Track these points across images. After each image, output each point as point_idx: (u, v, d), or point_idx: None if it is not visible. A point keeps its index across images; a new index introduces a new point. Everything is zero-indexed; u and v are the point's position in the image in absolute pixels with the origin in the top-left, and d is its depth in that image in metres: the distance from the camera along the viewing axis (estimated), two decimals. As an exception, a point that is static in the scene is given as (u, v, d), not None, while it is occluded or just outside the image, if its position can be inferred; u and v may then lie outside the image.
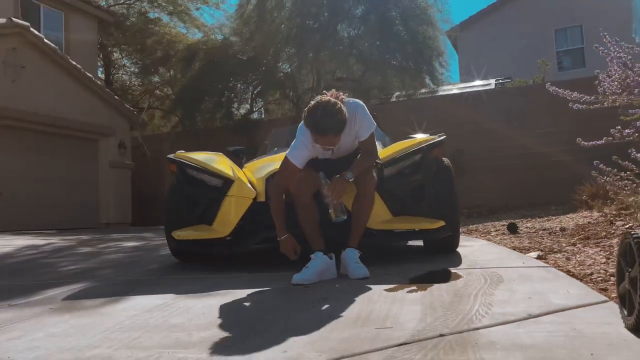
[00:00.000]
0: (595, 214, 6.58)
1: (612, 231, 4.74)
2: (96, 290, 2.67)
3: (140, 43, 13.04)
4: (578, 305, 1.61)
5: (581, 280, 2.30)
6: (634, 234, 1.35)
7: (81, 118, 10.59)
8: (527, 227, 6.28)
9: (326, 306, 1.92)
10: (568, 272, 2.45)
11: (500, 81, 12.84)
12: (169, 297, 2.27)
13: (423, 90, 12.96)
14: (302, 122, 2.70)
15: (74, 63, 10.47)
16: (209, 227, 3.12)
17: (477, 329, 1.45)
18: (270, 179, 3.02)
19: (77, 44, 11.67)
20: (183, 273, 3.15)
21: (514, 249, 3.97)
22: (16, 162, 9.57)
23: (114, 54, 14.47)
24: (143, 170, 12.33)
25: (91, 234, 7.43)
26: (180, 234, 3.19)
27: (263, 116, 13.32)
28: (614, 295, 1.81)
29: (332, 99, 2.58)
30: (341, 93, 2.74)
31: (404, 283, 2.27)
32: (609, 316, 1.50)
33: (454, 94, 12.03)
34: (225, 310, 1.96)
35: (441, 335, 1.40)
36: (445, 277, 2.34)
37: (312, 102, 2.61)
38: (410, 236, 2.99)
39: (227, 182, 3.10)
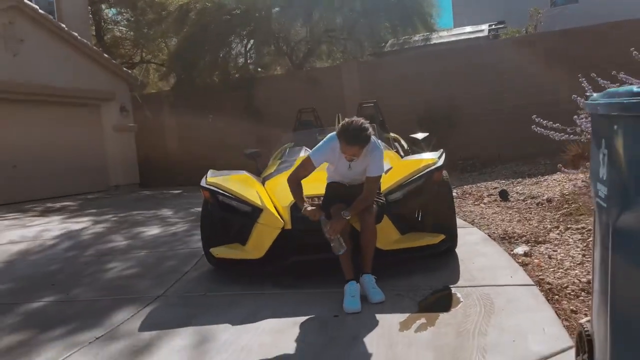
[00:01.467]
0: (580, 175, 7.11)
1: (593, 207, 5.30)
2: (159, 316, 3.21)
3: (132, 3, 12.91)
4: (552, 353, 2.16)
5: (558, 301, 2.86)
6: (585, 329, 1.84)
7: (82, 85, 10.80)
8: (517, 194, 6.83)
9: (355, 348, 2.48)
10: (549, 290, 3.01)
11: (494, 27, 12.94)
12: (228, 332, 2.83)
13: (416, 38, 13.06)
14: (333, 132, 3.29)
15: (70, 32, 10.52)
16: (243, 247, 3.63)
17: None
18: (294, 207, 3.51)
19: (68, 7, 11.60)
20: (225, 286, 3.68)
21: (505, 238, 4.53)
22: (24, 134, 9.89)
23: (105, 11, 14.30)
24: (146, 131, 12.65)
25: (113, 212, 7.91)
26: (219, 253, 3.70)
27: (260, 70, 13.45)
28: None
29: (363, 120, 3.17)
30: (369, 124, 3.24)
31: (414, 311, 2.82)
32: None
33: (448, 45, 12.17)
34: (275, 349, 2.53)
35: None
36: (447, 303, 2.89)
37: (347, 119, 3.19)
38: (417, 251, 3.51)
39: (256, 210, 3.57)
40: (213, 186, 3.79)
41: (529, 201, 6.30)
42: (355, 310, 2.92)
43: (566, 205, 5.60)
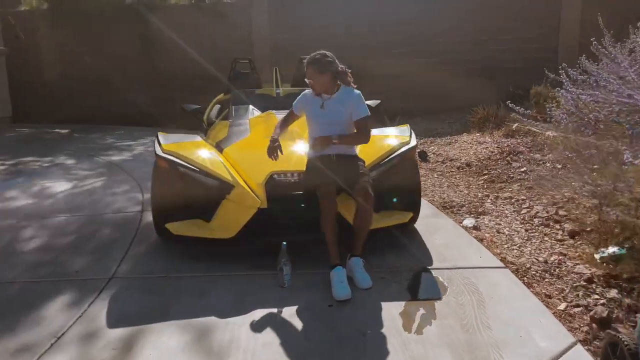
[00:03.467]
0: (488, 139, 7.60)
1: (512, 175, 5.72)
2: (124, 306, 2.86)
3: None
4: (561, 351, 2.31)
5: (530, 284, 3.06)
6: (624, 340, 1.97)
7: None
8: (434, 154, 7.11)
9: (371, 351, 2.43)
10: (516, 272, 3.20)
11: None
12: (220, 328, 2.61)
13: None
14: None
15: None
16: (207, 225, 3.34)
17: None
18: (270, 181, 3.28)
19: None
20: (184, 265, 3.37)
21: (446, 207, 4.71)
22: None
23: None
24: (19, 56, 10.99)
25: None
26: (178, 229, 3.36)
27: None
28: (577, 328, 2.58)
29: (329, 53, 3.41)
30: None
31: (407, 299, 2.84)
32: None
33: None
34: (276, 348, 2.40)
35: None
36: (434, 289, 2.95)
37: None
38: (388, 229, 3.50)
39: (226, 185, 3.27)
40: (172, 155, 3.38)
41: (447, 164, 6.59)
42: (346, 297, 2.85)
43: (486, 172, 5.96)
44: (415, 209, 3.66)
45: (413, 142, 3.64)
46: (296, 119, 3.62)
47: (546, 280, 3.19)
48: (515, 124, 7.77)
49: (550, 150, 6.18)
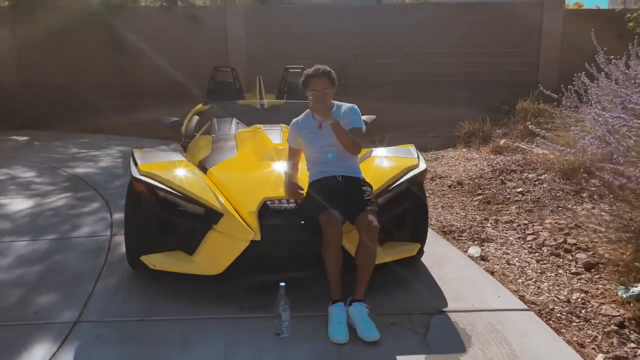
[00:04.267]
0: (476, 155, 7.35)
1: (508, 196, 5.44)
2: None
3: None
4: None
5: (558, 330, 2.73)
6: None
7: None
8: (422, 171, 6.79)
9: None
10: (540, 314, 2.86)
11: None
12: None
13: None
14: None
15: None
16: (190, 259, 2.89)
17: None
18: (264, 209, 2.87)
19: None
20: (163, 304, 2.91)
21: (446, 232, 4.38)
22: None
23: None
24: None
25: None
26: (155, 262, 2.90)
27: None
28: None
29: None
30: None
31: (426, 351, 2.45)
32: None
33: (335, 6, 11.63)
34: None
35: None
36: (455, 338, 2.57)
37: None
38: (395, 263, 3.12)
39: (213, 214, 2.84)
40: (151, 178, 2.92)
41: (437, 181, 6.29)
42: (342, 341, 2.49)
43: (479, 191, 5.67)
44: (422, 239, 3.30)
45: (422, 166, 3.28)
46: (299, 154, 3.24)
47: (574, 324, 2.86)
48: (503, 140, 7.58)
49: (546, 170, 5.95)
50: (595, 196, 4.32)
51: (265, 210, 2.88)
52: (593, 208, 4.76)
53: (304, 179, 3.08)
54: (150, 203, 2.92)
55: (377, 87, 10.33)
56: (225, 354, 2.44)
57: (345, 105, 3.19)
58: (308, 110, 3.17)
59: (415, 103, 10.41)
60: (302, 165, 3.22)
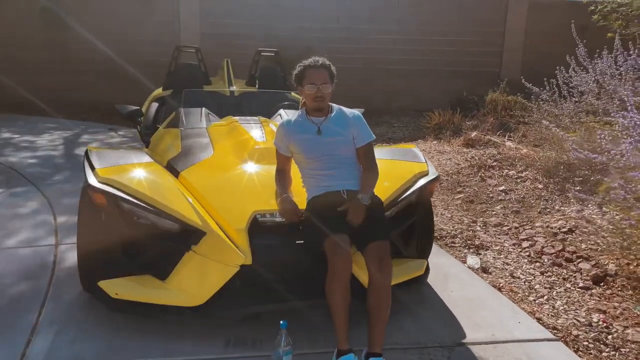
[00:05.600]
0: (447, 148, 7.07)
1: (490, 194, 5.16)
2: None
3: None
4: None
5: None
6: None
7: None
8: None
9: None
10: (564, 342, 2.54)
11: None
12: None
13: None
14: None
15: None
16: (162, 285, 2.35)
17: None
18: (254, 225, 2.37)
19: None
20: (130, 343, 2.36)
21: (437, 239, 4.03)
22: None
23: None
24: None
25: None
26: (117, 289, 2.35)
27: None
28: None
29: None
30: None
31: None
32: None
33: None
34: None
35: None
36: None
37: None
38: (401, 284, 2.70)
39: (193, 232, 2.31)
40: (113, 187, 2.35)
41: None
42: None
43: (460, 189, 5.37)
44: (428, 254, 2.91)
45: (433, 172, 2.86)
46: (290, 160, 2.66)
47: (604, 354, 2.55)
48: (474, 133, 7.33)
49: (526, 167, 5.72)
50: (582, 197, 4.10)
51: (255, 226, 2.38)
52: (582, 210, 4.56)
53: (299, 189, 2.58)
54: (112, 217, 2.35)
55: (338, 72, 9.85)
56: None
57: (350, 112, 2.67)
58: (303, 110, 2.65)
59: (376, 91, 10.05)
60: (294, 168, 2.70)
